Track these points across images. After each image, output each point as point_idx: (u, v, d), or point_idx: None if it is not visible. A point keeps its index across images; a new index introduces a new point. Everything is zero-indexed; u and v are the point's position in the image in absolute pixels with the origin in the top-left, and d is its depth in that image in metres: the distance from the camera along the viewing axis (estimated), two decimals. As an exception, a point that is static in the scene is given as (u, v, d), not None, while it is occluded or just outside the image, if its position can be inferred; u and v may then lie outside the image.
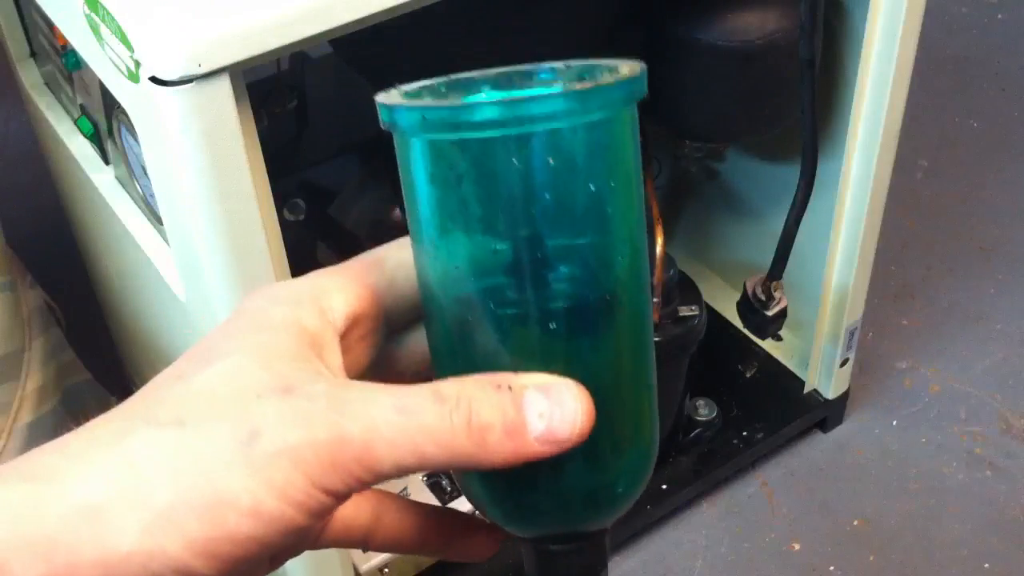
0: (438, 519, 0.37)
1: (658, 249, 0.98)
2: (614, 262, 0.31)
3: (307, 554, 0.92)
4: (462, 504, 1.01)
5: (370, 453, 0.28)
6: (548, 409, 0.29)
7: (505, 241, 0.30)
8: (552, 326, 0.30)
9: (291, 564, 0.95)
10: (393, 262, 0.34)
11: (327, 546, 0.37)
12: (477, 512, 0.35)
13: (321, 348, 0.30)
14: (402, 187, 0.31)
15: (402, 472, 0.29)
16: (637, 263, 0.32)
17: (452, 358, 0.32)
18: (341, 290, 0.32)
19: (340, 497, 0.28)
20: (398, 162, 0.31)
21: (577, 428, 0.29)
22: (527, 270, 0.30)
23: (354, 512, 0.36)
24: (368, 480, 0.28)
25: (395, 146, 0.31)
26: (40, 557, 0.26)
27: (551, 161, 0.29)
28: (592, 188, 0.30)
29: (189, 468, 0.27)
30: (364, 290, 0.33)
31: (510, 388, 0.29)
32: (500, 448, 0.29)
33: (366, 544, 0.37)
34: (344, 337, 0.32)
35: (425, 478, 1.04)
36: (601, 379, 0.31)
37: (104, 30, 0.62)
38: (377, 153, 1.09)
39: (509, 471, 0.31)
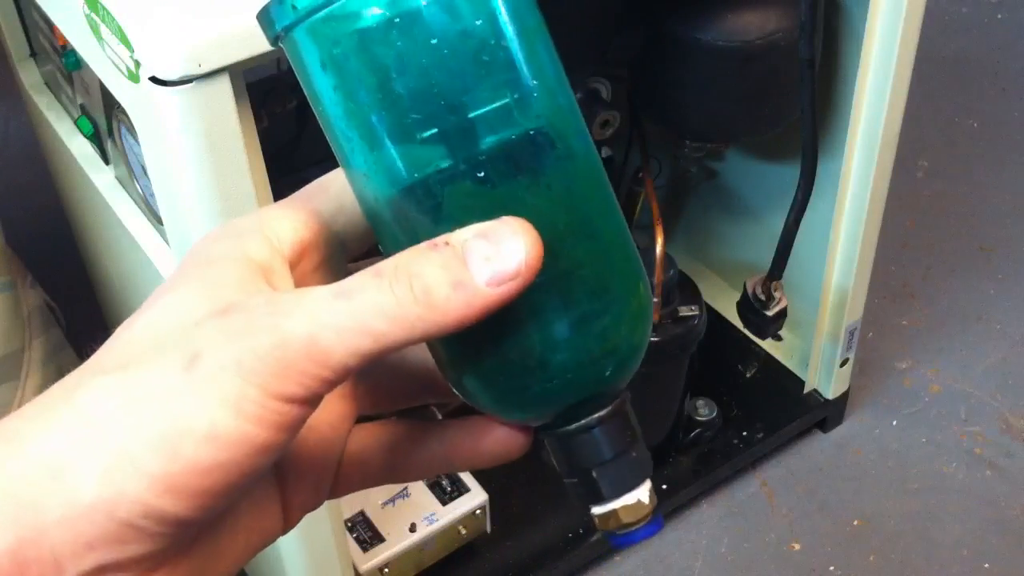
0: (455, 431, 0.35)
1: (658, 249, 0.98)
2: (533, 101, 0.29)
3: (307, 554, 0.92)
4: (464, 503, 1.01)
5: (317, 345, 0.26)
6: (490, 250, 0.27)
7: (425, 124, 0.29)
8: (486, 180, 0.29)
9: (291, 564, 0.94)
10: (339, 186, 0.32)
11: (347, 491, 0.35)
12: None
13: (270, 275, 0.29)
14: (311, 105, 0.30)
15: (364, 360, 0.27)
16: (559, 100, 0.30)
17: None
18: (286, 218, 0.31)
19: (304, 402, 0.27)
20: (299, 79, 0.30)
21: (524, 260, 0.27)
22: (452, 143, 0.29)
23: (364, 449, 0.35)
24: (327, 376, 0.27)
25: (292, 65, 0.30)
26: (8, 522, 0.25)
27: (447, 24, 0.28)
28: (493, 44, 0.29)
29: (138, 406, 0.26)
30: (310, 216, 0.32)
31: (447, 244, 0.27)
32: (452, 304, 0.27)
33: (392, 479, 0.36)
34: (298, 266, 0.31)
35: (424, 479, 1.03)
36: (553, 224, 0.29)
37: (104, 30, 0.62)
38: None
39: (493, 352, 0.29)
